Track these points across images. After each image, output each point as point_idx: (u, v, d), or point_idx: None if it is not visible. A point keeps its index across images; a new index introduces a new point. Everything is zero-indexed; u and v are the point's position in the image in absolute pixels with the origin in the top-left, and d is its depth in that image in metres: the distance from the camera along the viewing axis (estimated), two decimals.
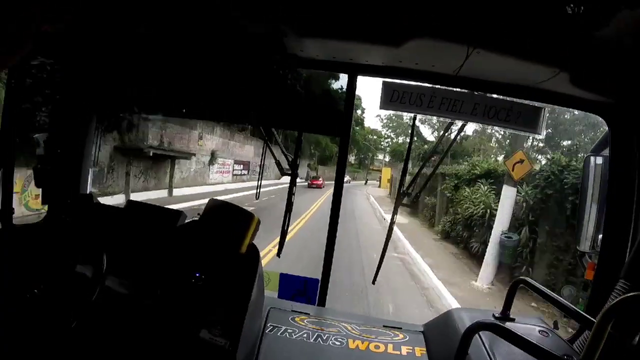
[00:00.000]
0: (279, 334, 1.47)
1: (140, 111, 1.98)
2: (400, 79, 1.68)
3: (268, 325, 1.51)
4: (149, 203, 1.65)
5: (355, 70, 1.71)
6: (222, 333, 1.24)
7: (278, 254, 1.86)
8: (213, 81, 1.66)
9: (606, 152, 1.74)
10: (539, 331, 1.43)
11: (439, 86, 1.67)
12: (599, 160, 1.76)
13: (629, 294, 0.96)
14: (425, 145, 19.38)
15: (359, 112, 43.71)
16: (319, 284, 1.80)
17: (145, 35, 1.61)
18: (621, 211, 1.58)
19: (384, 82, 1.67)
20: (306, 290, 1.83)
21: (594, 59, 1.33)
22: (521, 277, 1.56)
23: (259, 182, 1.83)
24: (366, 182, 46.39)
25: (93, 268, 1.33)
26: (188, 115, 1.75)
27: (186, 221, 1.53)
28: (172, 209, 1.60)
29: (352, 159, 48.78)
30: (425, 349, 1.48)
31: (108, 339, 1.25)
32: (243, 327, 1.25)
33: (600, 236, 1.71)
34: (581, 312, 1.43)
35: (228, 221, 1.44)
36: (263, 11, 1.39)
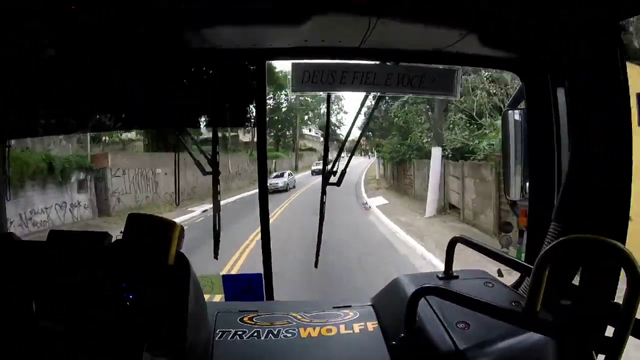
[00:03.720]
0: (229, 339, 1.42)
1: (47, 132, 1.81)
2: (309, 59, 1.64)
3: (217, 332, 1.45)
4: (71, 230, 1.53)
5: (262, 56, 1.65)
6: (165, 352, 1.18)
7: (215, 256, 1.80)
8: (115, 88, 1.55)
9: (522, 104, 1.81)
10: (484, 284, 1.46)
11: (349, 61, 1.65)
12: (517, 114, 1.82)
13: (559, 239, 0.99)
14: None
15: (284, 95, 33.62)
16: (263, 278, 1.77)
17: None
18: (544, 158, 1.63)
19: (293, 64, 1.63)
20: (252, 288, 1.78)
21: (499, 17, 1.34)
22: (456, 236, 1.59)
23: (177, 185, 1.74)
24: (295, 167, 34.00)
25: (23, 315, 1.22)
26: (94, 129, 1.62)
27: (112, 241, 1.44)
28: (96, 232, 1.50)
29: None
30: (376, 323, 1.48)
31: None
32: (187, 340, 1.19)
33: (528, 184, 1.78)
34: (519, 260, 1.48)
35: (150, 234, 1.36)
36: (158, 5, 1.30)
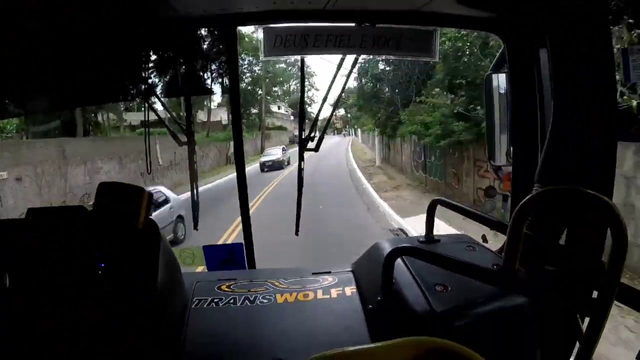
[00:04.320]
0: (205, 306, 1.42)
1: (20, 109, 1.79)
2: (280, 23, 1.60)
3: (194, 299, 1.46)
4: (49, 207, 1.53)
5: (233, 22, 1.61)
6: (135, 319, 1.17)
7: (195, 227, 1.79)
8: (80, 60, 1.52)
9: (504, 68, 1.77)
10: (466, 247, 1.45)
11: (322, 24, 1.61)
12: (500, 77, 1.78)
13: (538, 191, 0.96)
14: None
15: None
16: (244, 247, 1.76)
17: None
18: (527, 122, 1.60)
19: (264, 29, 1.59)
20: (232, 257, 1.79)
21: None
22: (436, 198, 1.57)
23: (148, 152, 1.72)
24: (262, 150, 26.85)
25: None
26: (66, 105, 1.59)
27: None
28: (74, 206, 1.50)
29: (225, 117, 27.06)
30: (355, 288, 1.47)
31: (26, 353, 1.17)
32: (159, 306, 1.20)
33: (512, 148, 1.75)
34: (501, 220, 1.47)
35: (120, 201, 1.36)
36: None
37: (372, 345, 0.62)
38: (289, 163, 21.23)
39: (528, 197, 0.98)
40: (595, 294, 0.97)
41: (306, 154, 1.69)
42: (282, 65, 33.89)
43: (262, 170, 20.06)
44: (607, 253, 0.92)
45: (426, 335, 0.63)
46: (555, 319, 1.07)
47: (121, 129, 21.54)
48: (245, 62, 28.68)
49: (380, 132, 20.36)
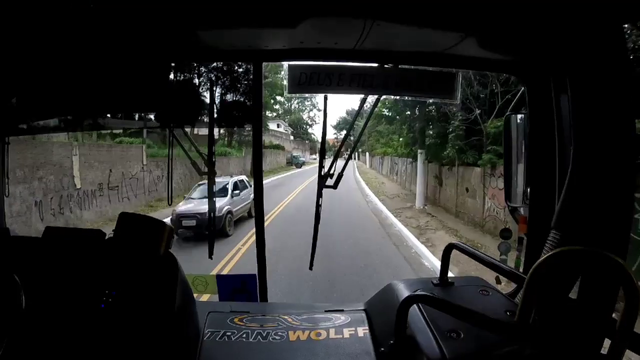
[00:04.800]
0: (217, 339, 1.42)
1: (51, 130, 1.85)
2: (306, 60, 1.63)
3: (206, 331, 1.46)
4: (68, 227, 1.56)
5: (259, 57, 1.65)
6: (150, 349, 1.18)
7: (210, 256, 1.80)
8: (115, 87, 1.56)
9: (524, 109, 1.78)
10: (479, 291, 1.44)
11: (346, 63, 1.64)
12: (519, 117, 1.79)
13: (553, 251, 0.96)
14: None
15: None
16: (257, 279, 1.76)
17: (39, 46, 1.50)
18: (545, 164, 1.60)
19: (289, 66, 1.62)
20: (245, 288, 1.78)
21: (499, 19, 1.31)
22: (452, 243, 1.57)
23: (169, 186, 1.75)
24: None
25: (11, 308, 1.24)
26: (92, 127, 1.64)
27: (105, 238, 1.46)
28: (92, 230, 1.52)
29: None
30: (367, 328, 1.46)
31: None
32: (173, 337, 1.20)
33: (529, 190, 1.75)
34: (514, 270, 1.45)
35: (140, 232, 1.38)
36: (156, 5, 1.31)
37: None
38: (250, 215, 10.65)
39: (546, 256, 0.98)
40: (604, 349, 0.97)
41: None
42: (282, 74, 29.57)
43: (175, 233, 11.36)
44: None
45: None
46: None
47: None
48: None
49: (430, 155, 13.57)
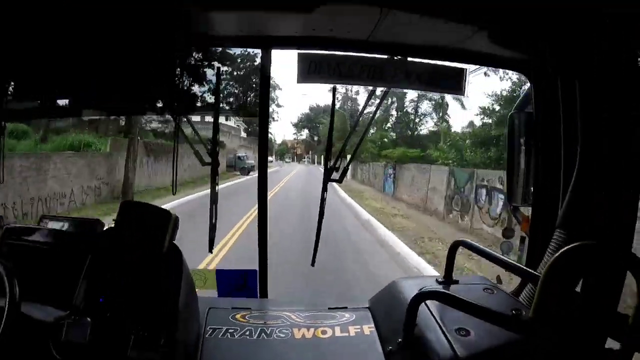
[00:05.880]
0: (219, 336, 1.37)
1: (49, 114, 1.75)
2: (316, 49, 1.59)
3: (207, 328, 1.40)
4: (64, 216, 1.48)
5: (268, 44, 1.60)
6: (152, 346, 1.12)
7: (210, 249, 1.74)
8: (119, 73, 1.49)
9: (529, 108, 1.78)
10: (484, 289, 1.43)
11: (357, 53, 1.61)
12: (523, 116, 1.79)
13: (571, 245, 0.96)
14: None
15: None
16: (258, 275, 1.71)
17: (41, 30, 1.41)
18: (550, 163, 1.60)
19: (299, 54, 1.58)
20: (246, 283, 1.73)
21: (511, 16, 1.31)
22: (459, 240, 1.55)
23: (174, 174, 1.69)
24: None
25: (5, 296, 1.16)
26: (92, 113, 1.56)
27: (104, 229, 1.39)
28: (88, 219, 1.45)
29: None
30: (373, 326, 1.44)
31: None
32: (176, 335, 1.14)
33: (532, 189, 1.75)
34: (522, 266, 1.45)
35: (144, 222, 1.31)
36: None
37: None
38: None
39: (561, 251, 0.97)
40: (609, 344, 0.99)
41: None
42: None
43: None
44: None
45: None
46: None
47: None
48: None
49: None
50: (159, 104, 1.57)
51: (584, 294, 1.16)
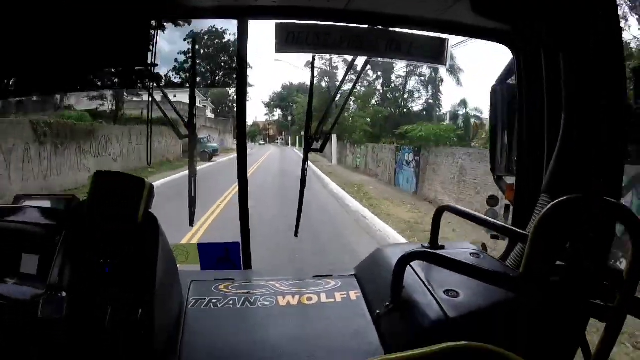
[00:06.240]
0: (202, 307, 1.36)
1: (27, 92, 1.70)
2: (294, 19, 1.56)
3: (190, 299, 1.40)
4: (38, 194, 1.46)
5: (245, 14, 1.56)
6: (131, 317, 1.11)
7: (190, 224, 1.73)
8: (89, 45, 1.44)
9: (511, 80, 1.77)
10: (471, 254, 1.44)
11: (336, 23, 1.58)
12: (505, 88, 1.79)
13: (560, 199, 0.95)
14: None
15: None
16: (241, 247, 1.71)
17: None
18: (533, 133, 1.60)
19: (277, 24, 1.54)
20: (229, 256, 1.73)
21: None
22: (444, 205, 1.55)
23: (149, 145, 1.66)
24: None
25: None
26: (68, 89, 1.52)
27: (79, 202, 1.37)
28: (63, 195, 1.42)
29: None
30: (359, 292, 1.44)
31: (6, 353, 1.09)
32: (155, 305, 1.13)
33: (515, 158, 1.76)
34: (511, 227, 1.46)
35: (118, 192, 1.29)
36: None
37: (417, 351, 0.59)
38: None
39: (551, 205, 0.97)
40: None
41: None
42: None
43: None
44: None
45: (440, 342, 0.61)
46: (569, 323, 1.07)
47: None
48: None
49: None
50: (133, 78, 1.53)
51: (573, 250, 1.19)
